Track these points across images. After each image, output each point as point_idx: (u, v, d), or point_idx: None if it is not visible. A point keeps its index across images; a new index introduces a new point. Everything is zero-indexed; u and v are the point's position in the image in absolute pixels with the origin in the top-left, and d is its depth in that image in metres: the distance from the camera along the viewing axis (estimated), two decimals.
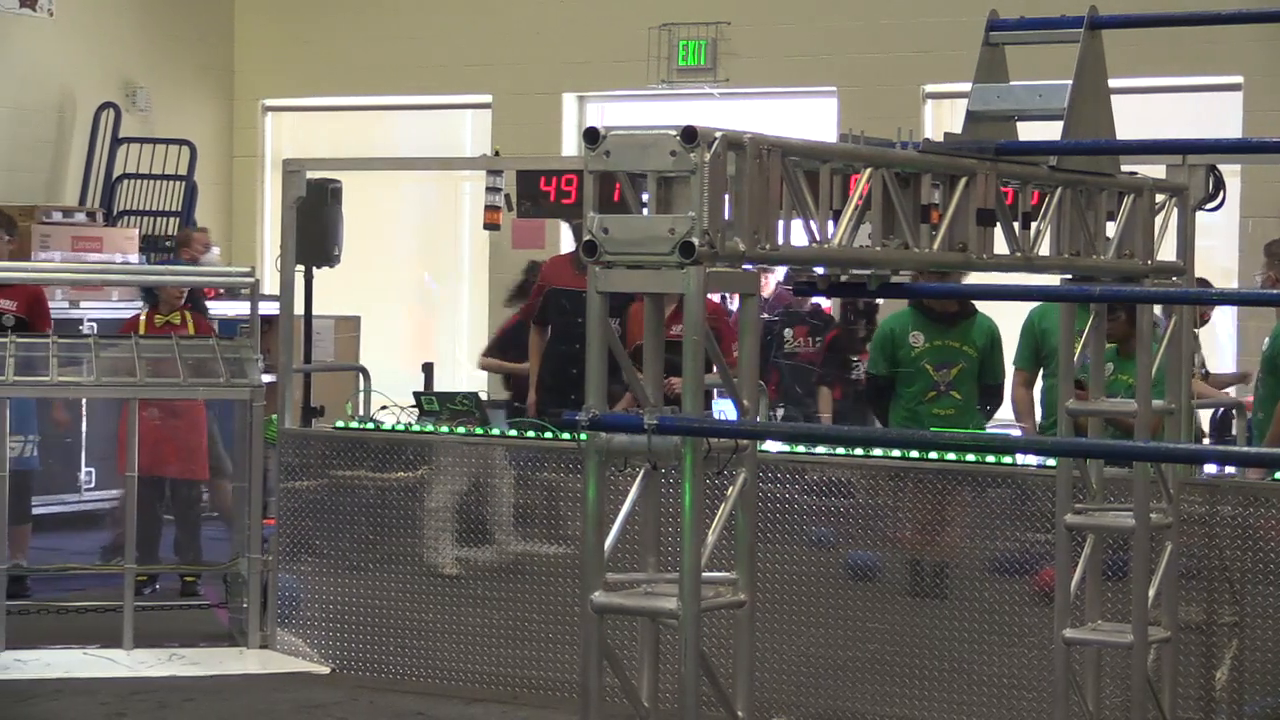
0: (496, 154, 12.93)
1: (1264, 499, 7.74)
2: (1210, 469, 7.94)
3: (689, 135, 4.98)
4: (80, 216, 14.65)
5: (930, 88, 14.84)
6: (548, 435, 9.28)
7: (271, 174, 17.15)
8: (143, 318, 11.36)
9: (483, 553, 9.39)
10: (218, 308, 13.47)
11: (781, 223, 5.42)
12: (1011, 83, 6.61)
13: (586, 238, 5.12)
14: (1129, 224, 6.90)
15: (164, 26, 16.77)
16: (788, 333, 12.05)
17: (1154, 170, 7.31)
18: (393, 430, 9.64)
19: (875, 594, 8.47)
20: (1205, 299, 9.34)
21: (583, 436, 5.24)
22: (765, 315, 12.33)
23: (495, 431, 9.53)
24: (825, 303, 12.14)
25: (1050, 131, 6.52)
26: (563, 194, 10.56)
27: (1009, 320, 9.92)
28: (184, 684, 9.14)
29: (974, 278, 7.54)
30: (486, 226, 10.35)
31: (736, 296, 6.59)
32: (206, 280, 12.92)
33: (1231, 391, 11.54)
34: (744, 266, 5.26)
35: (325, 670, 9.43)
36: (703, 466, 5.11)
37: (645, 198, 5.16)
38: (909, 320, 9.59)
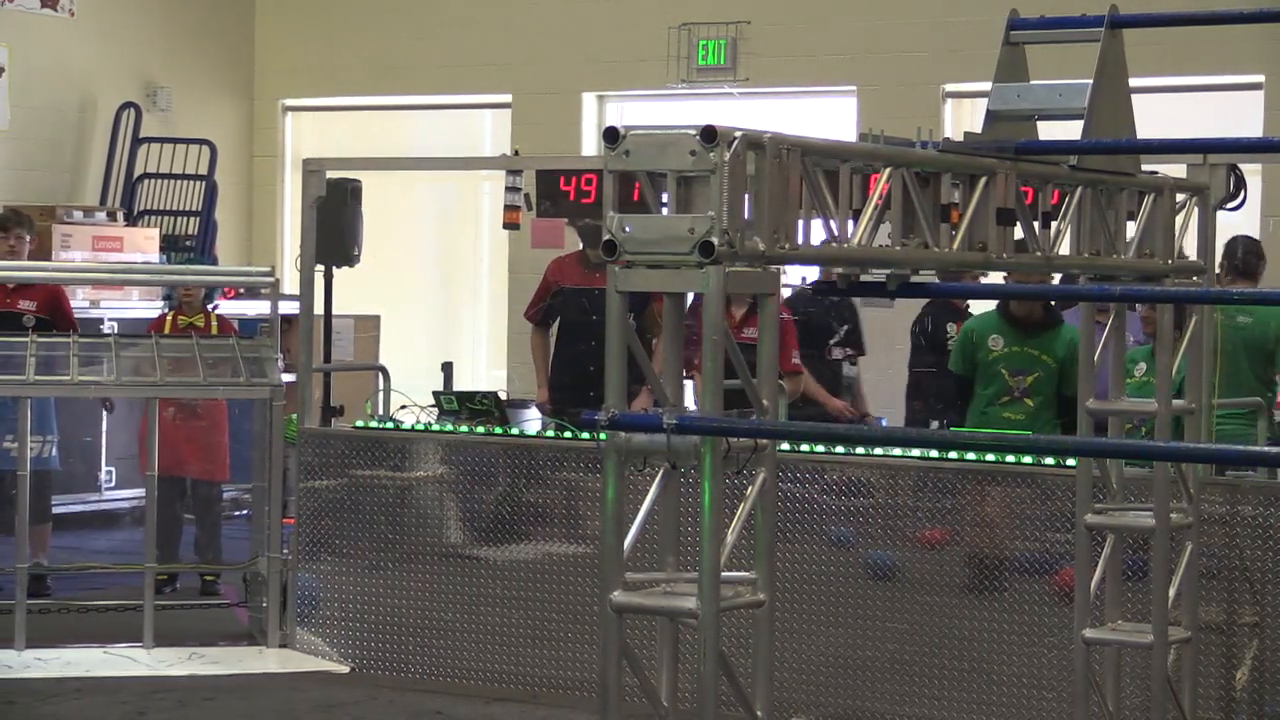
0: (516, 153, 12.91)
1: None
2: None
3: (708, 135, 4.98)
4: (101, 216, 14.68)
5: (950, 87, 14.82)
6: (567, 435, 9.28)
7: (291, 173, 17.16)
8: (168, 318, 11.39)
9: (502, 552, 9.40)
10: (238, 307, 13.50)
11: (801, 222, 5.42)
12: (1032, 82, 6.60)
13: (606, 237, 5.11)
14: (1149, 223, 6.89)
15: (185, 27, 16.80)
16: (950, 328, 11.15)
17: (1175, 170, 7.30)
18: (412, 430, 9.65)
19: (895, 594, 8.46)
20: (1226, 299, 9.31)
21: (602, 436, 5.24)
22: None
23: (515, 431, 9.54)
24: None
25: (1070, 131, 6.51)
26: (582, 193, 10.55)
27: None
28: (204, 683, 9.16)
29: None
30: (506, 226, 10.34)
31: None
32: (225, 280, 12.94)
33: None
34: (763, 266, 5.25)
35: (344, 669, 9.44)
36: (722, 466, 5.11)
37: (665, 197, 5.16)
38: (993, 323, 9.60)
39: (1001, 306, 9.63)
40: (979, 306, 10.53)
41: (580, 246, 11.07)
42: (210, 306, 11.64)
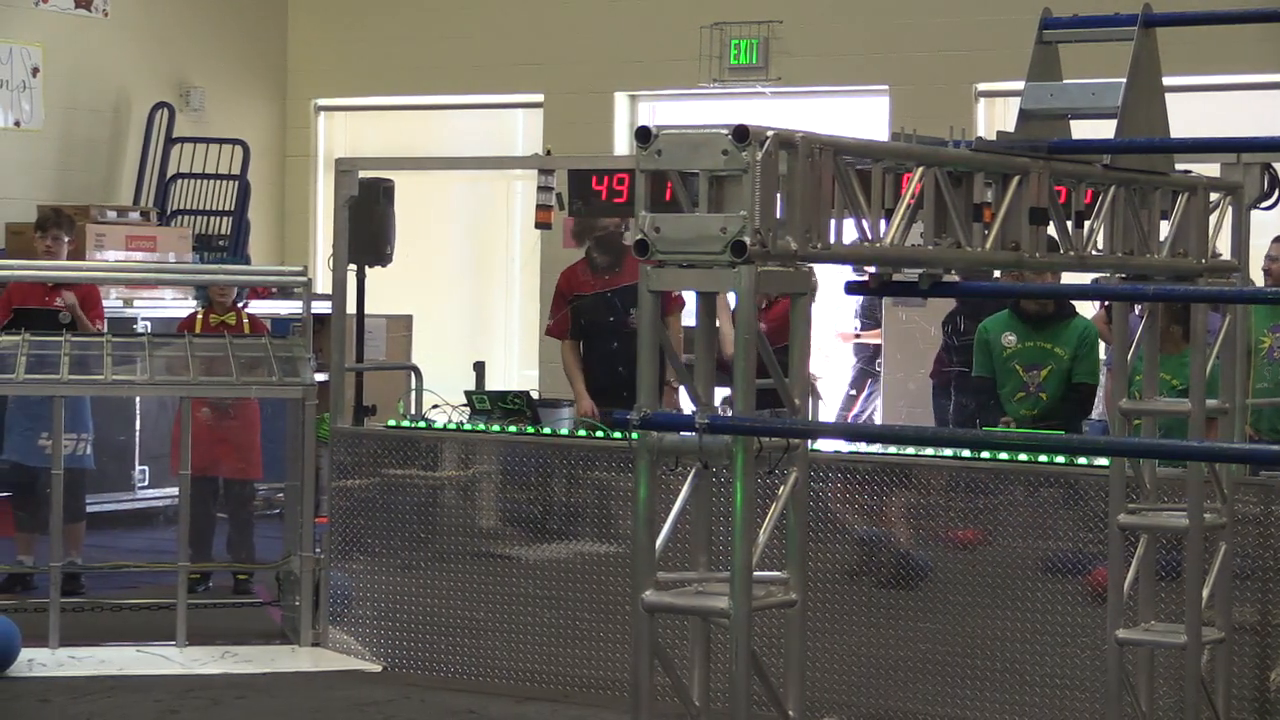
0: (548, 153, 12.91)
1: None
2: None
3: (741, 134, 4.97)
4: (134, 216, 14.73)
5: (983, 86, 14.80)
6: (599, 434, 9.29)
7: (324, 173, 17.20)
8: (199, 317, 11.42)
9: (534, 551, 9.41)
10: (270, 307, 13.53)
11: (833, 221, 5.41)
12: (1065, 81, 6.59)
13: (638, 236, 5.11)
14: (1183, 223, 6.86)
15: (218, 27, 16.85)
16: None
17: (1208, 169, 7.27)
18: (444, 429, 9.66)
19: (926, 594, 8.45)
20: (1261, 298, 9.28)
21: (634, 435, 5.23)
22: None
23: (546, 430, 9.55)
24: None
25: (1104, 130, 6.49)
26: (614, 193, 10.54)
27: None
28: (237, 681, 9.18)
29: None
30: (538, 225, 10.33)
31: None
32: (258, 280, 12.97)
33: None
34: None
35: (377, 668, 9.46)
36: (754, 466, 5.11)
37: (697, 197, 5.15)
38: (1005, 322, 9.62)
39: (1013, 303, 9.63)
40: None
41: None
42: (240, 305, 11.65)
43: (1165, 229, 6.84)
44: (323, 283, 11.28)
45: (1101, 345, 9.78)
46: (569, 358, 10.83)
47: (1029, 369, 9.49)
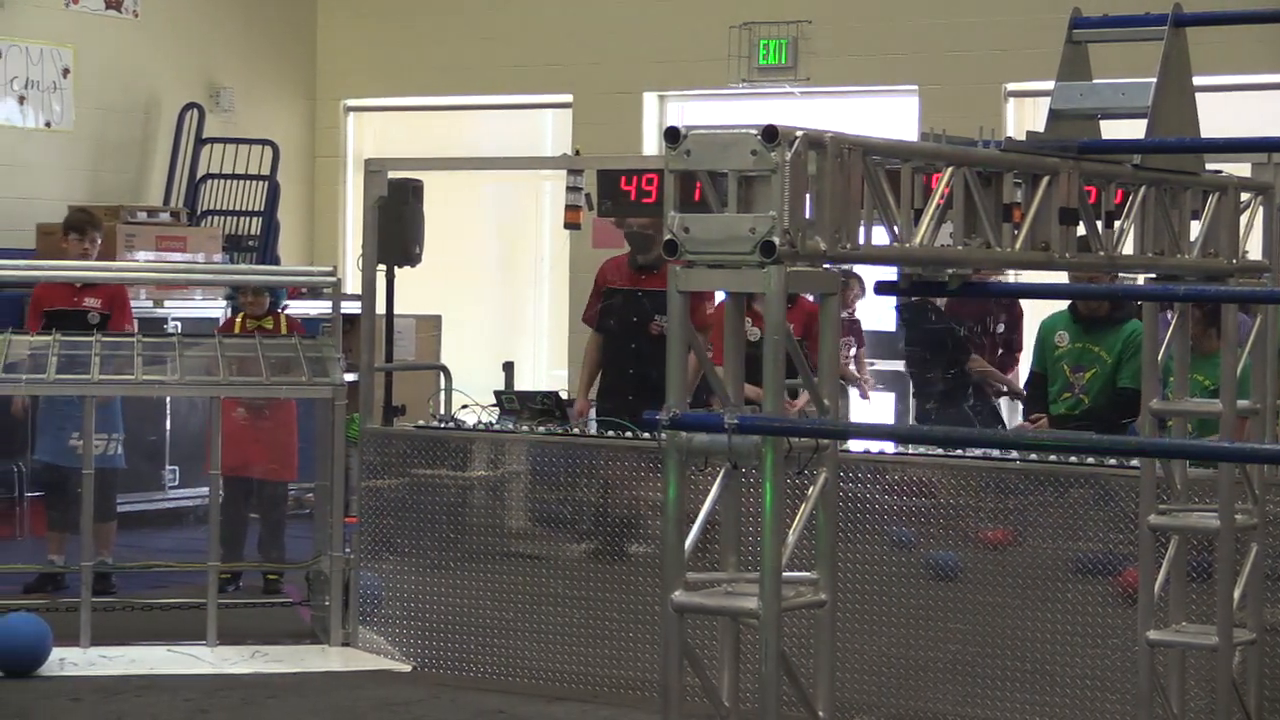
0: (577, 153, 12.91)
1: None
2: None
3: (770, 134, 4.97)
4: (165, 216, 14.78)
5: (1012, 86, 14.77)
6: (628, 434, 9.29)
7: (353, 174, 17.24)
8: (237, 321, 11.44)
9: (563, 551, 9.41)
10: (300, 307, 13.56)
11: (863, 222, 5.40)
12: (1094, 80, 6.57)
13: (667, 237, 5.11)
14: (1214, 223, 6.84)
15: (248, 28, 16.89)
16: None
17: (1239, 169, 7.25)
18: (473, 429, 9.67)
19: (956, 594, 8.44)
20: None
21: (663, 435, 5.23)
22: None
23: (575, 430, 9.55)
24: None
25: (1134, 130, 6.48)
26: (643, 193, 10.54)
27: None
28: (267, 681, 9.21)
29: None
30: (567, 226, 10.34)
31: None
32: (287, 280, 13.00)
33: None
34: (824, 266, 5.24)
35: (407, 668, 9.47)
36: (783, 466, 5.10)
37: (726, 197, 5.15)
38: (1062, 320, 9.65)
39: (1072, 303, 9.66)
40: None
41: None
42: (280, 308, 11.64)
43: (1196, 229, 6.82)
44: (352, 283, 11.29)
45: None
46: (589, 350, 10.94)
47: (1075, 370, 9.50)
